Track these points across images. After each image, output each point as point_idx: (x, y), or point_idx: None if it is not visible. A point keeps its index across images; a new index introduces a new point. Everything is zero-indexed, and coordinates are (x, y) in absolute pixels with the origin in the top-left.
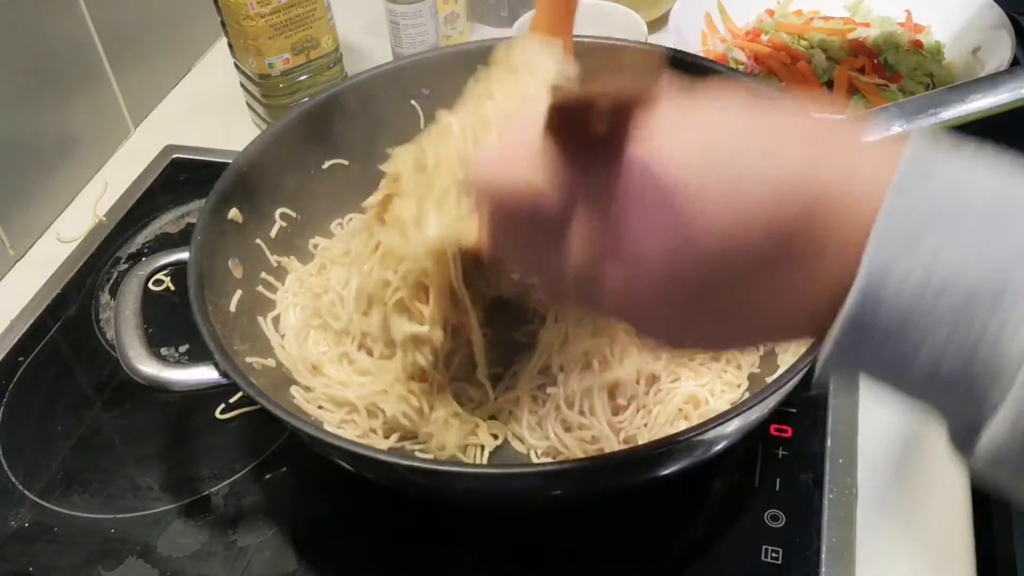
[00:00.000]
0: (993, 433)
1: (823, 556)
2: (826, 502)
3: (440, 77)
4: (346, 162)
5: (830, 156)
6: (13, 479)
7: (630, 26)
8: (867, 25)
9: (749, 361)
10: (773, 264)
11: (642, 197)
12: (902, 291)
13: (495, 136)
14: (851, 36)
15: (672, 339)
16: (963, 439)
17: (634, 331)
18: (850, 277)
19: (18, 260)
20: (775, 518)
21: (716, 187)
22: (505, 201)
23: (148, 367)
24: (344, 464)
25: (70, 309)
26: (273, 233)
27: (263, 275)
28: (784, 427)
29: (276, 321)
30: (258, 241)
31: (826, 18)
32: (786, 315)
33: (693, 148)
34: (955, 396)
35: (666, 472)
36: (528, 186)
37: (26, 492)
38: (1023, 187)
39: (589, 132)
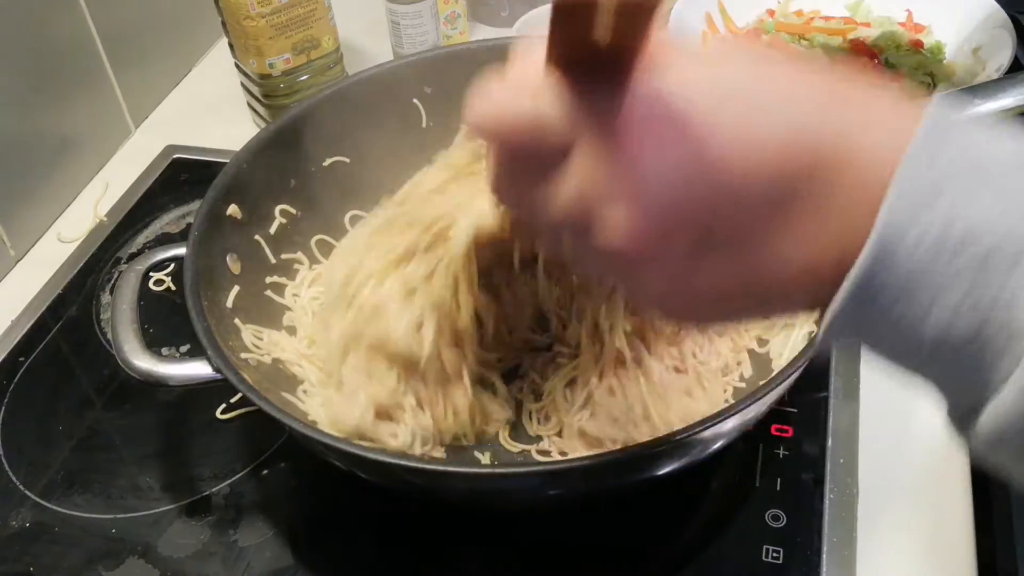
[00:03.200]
0: (998, 407)
1: (824, 556)
2: (827, 502)
3: (441, 76)
4: (347, 159)
5: (847, 107)
6: (14, 479)
7: None
8: (867, 25)
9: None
10: (782, 207)
11: (652, 125)
12: (919, 246)
13: (496, 74)
14: (851, 36)
15: (669, 293)
16: (964, 416)
17: (628, 287)
18: (860, 237)
19: (19, 260)
20: (776, 518)
21: (730, 120)
22: (508, 135)
23: (143, 361)
24: (338, 464)
25: (71, 309)
26: (273, 230)
27: (267, 279)
28: (785, 427)
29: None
30: (257, 237)
31: (827, 18)
32: (792, 272)
33: (707, 81)
34: (963, 364)
35: (666, 471)
36: (531, 116)
37: (27, 492)
38: None
39: (595, 53)
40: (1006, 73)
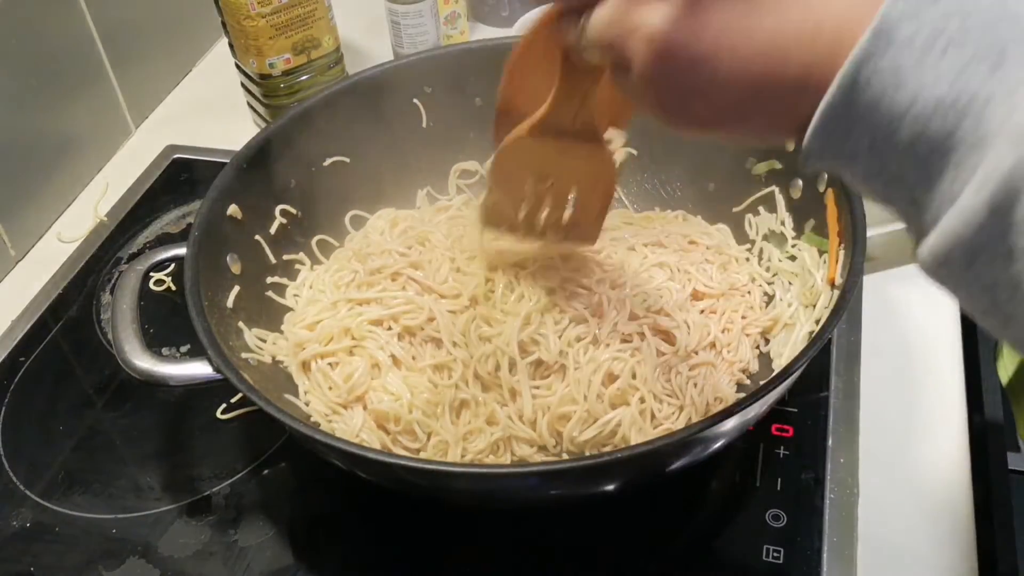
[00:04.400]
0: (944, 226)
1: (824, 556)
2: (827, 502)
3: (441, 76)
4: (347, 159)
5: None
6: (15, 479)
7: None
8: None
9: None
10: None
11: None
12: (914, 39)
13: None
14: None
15: (664, 46)
16: (924, 229)
17: (621, 59)
18: (861, 20)
19: (19, 260)
20: (776, 518)
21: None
22: None
23: (143, 362)
24: (339, 463)
25: (71, 309)
26: (273, 230)
27: (268, 279)
28: (785, 427)
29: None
30: (258, 237)
31: None
32: (791, 38)
33: None
34: (928, 173)
35: (666, 471)
36: None
37: (27, 492)
38: None
39: None
40: None
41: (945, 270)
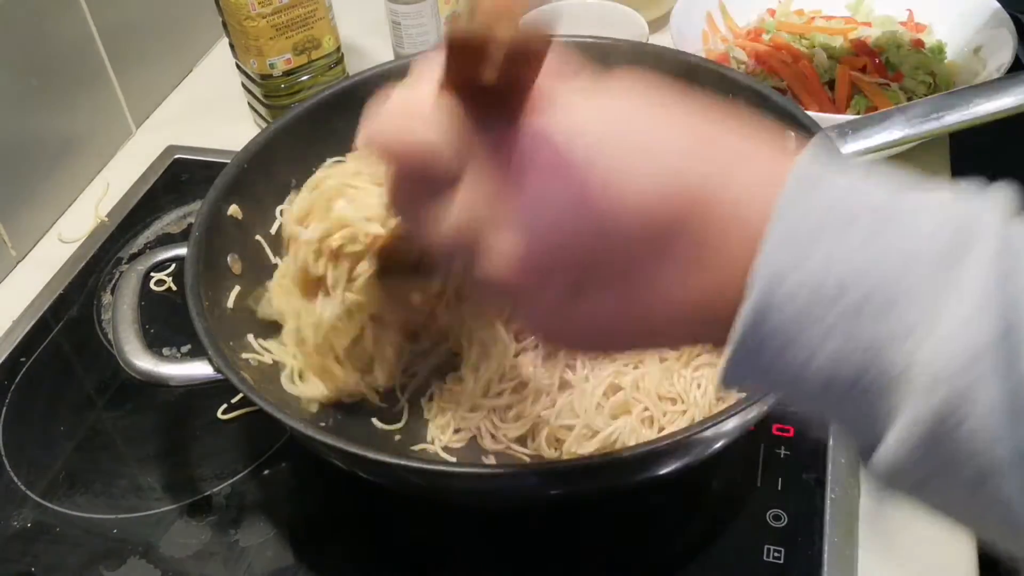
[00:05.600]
0: (886, 451)
1: (825, 556)
2: (828, 501)
3: None
4: (347, 160)
5: (723, 153)
6: (15, 479)
7: (631, 26)
8: (868, 24)
9: None
10: (661, 249)
11: (536, 161)
12: (797, 295)
13: (392, 91)
14: (852, 35)
15: (550, 323)
16: (866, 452)
17: (513, 311)
18: (741, 282)
19: (20, 260)
20: (777, 518)
21: (608, 163)
22: (399, 158)
23: (144, 362)
24: (339, 463)
25: (72, 309)
26: (274, 230)
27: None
28: (786, 427)
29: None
30: (258, 238)
31: (827, 17)
32: (673, 312)
33: (592, 121)
34: (852, 406)
35: (666, 471)
36: (421, 143)
37: (28, 492)
38: (914, 196)
39: (486, 87)
40: (1007, 73)
41: (896, 486)
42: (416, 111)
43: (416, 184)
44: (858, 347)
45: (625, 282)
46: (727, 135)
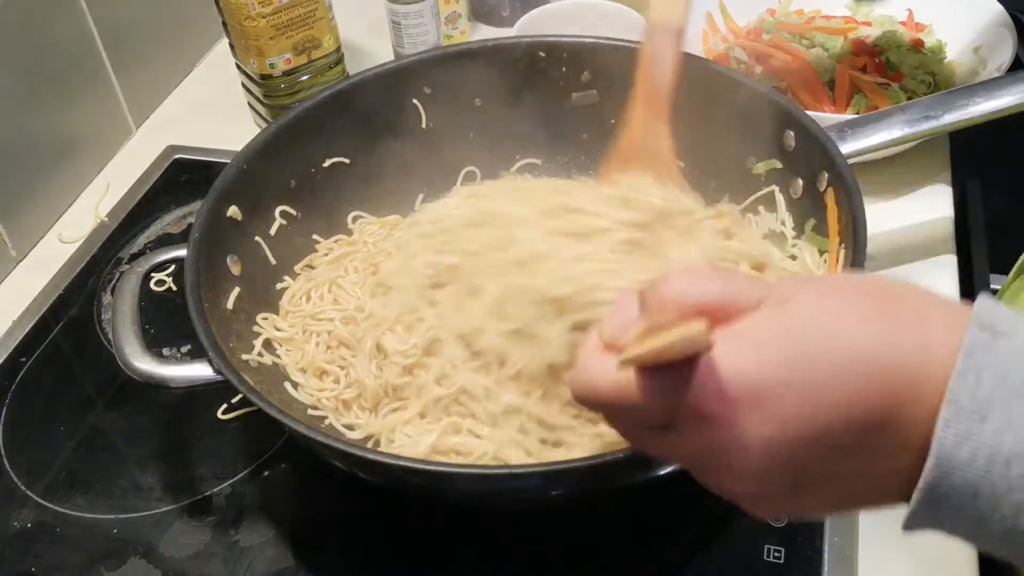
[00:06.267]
0: None
1: (825, 555)
2: None
3: (441, 76)
4: (347, 160)
5: (906, 336)
6: (16, 479)
7: (630, 26)
8: (868, 24)
9: None
10: (869, 444)
11: (731, 398)
12: (974, 462)
13: (592, 341)
14: (852, 35)
15: (774, 510)
16: None
17: (740, 506)
18: (928, 447)
19: (20, 261)
20: (777, 517)
21: (804, 378)
22: (606, 406)
23: (143, 363)
24: (339, 464)
25: (72, 310)
26: (273, 231)
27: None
28: None
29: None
30: (257, 239)
31: (827, 17)
32: (878, 482)
33: (774, 343)
34: None
35: (666, 471)
36: (621, 393)
37: (29, 492)
38: None
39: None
40: (1007, 72)
41: None
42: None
43: (622, 414)
44: None
45: (839, 478)
46: (901, 302)
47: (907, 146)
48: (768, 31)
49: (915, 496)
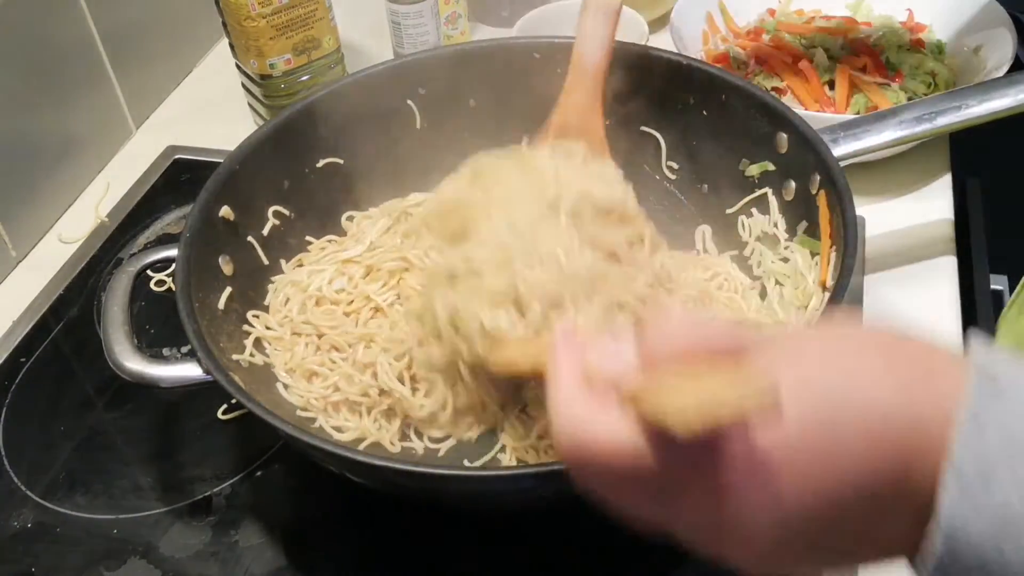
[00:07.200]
0: None
1: None
2: None
3: (438, 76)
4: (341, 161)
5: (913, 389)
6: (16, 480)
7: (631, 26)
8: (868, 24)
9: None
10: (873, 503)
11: (741, 475)
12: (984, 533)
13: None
14: (852, 35)
15: (773, 571)
16: None
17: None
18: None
19: (20, 261)
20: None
21: (825, 449)
22: (604, 466)
23: (134, 363)
24: (329, 466)
25: (72, 310)
26: (266, 231)
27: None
28: None
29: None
30: (250, 239)
31: (827, 17)
32: (887, 541)
33: (809, 415)
34: None
35: None
36: (625, 450)
37: (28, 493)
38: None
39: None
40: (1006, 72)
41: None
42: (613, 413)
43: (616, 478)
44: None
45: (845, 540)
46: (911, 362)
47: (906, 147)
48: (768, 31)
49: (925, 566)
